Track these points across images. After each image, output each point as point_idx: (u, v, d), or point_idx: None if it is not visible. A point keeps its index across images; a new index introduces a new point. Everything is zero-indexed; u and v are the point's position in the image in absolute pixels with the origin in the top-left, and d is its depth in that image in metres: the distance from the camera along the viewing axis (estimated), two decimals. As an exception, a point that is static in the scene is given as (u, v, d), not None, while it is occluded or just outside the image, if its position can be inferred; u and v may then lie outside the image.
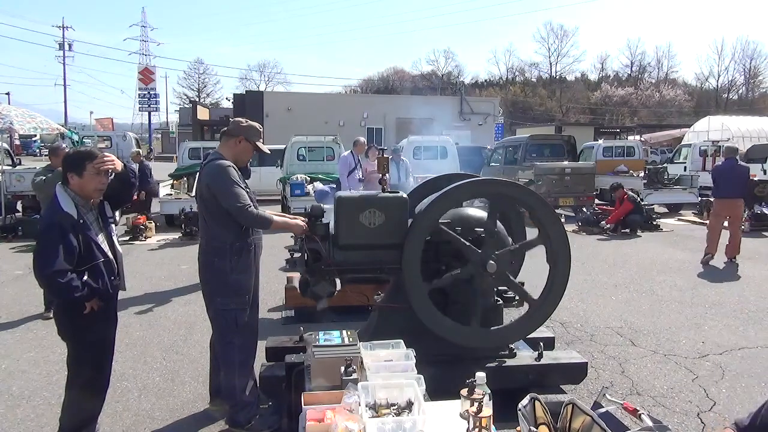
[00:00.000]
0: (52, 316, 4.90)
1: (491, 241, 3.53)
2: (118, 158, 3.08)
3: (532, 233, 4.22)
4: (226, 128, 3.55)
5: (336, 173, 12.20)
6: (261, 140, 3.53)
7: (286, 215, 3.57)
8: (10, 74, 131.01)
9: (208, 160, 3.44)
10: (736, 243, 8.60)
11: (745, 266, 8.28)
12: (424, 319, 3.48)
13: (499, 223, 3.88)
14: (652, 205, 12.61)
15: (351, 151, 8.97)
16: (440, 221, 3.56)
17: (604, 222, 11.29)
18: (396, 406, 2.28)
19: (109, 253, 3.01)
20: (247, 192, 3.31)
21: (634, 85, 66.53)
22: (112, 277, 2.98)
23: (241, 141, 3.42)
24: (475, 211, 3.92)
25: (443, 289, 3.68)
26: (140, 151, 12.94)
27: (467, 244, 3.49)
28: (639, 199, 11.79)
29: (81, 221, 2.84)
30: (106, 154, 3.00)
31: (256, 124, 3.52)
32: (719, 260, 8.59)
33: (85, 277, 2.81)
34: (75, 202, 2.88)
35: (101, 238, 2.97)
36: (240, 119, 3.53)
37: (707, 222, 12.13)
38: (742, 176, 8.66)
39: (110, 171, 2.98)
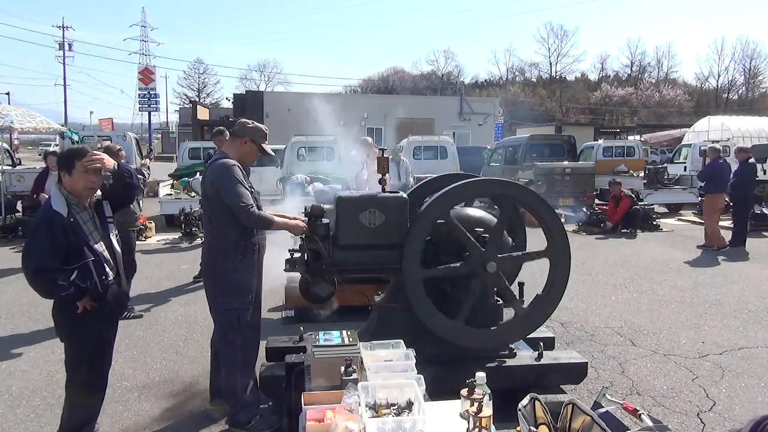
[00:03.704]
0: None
1: (496, 244, 3.53)
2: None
3: (532, 237, 4.24)
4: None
5: (336, 173, 12.20)
6: (266, 142, 3.53)
7: (286, 216, 3.57)
8: (10, 74, 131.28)
9: (213, 159, 3.47)
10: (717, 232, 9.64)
11: (745, 266, 8.28)
12: (424, 319, 3.48)
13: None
14: (652, 205, 12.62)
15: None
16: (440, 221, 3.56)
17: (608, 222, 11.33)
18: (396, 406, 2.28)
19: (105, 253, 2.99)
20: (252, 192, 3.32)
21: (634, 85, 66.43)
22: (104, 277, 2.94)
23: (246, 142, 3.44)
24: (475, 211, 3.93)
25: (443, 290, 3.68)
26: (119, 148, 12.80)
27: (473, 239, 3.49)
28: (633, 194, 11.91)
29: (71, 220, 2.82)
30: (95, 152, 2.96)
31: (263, 126, 3.53)
32: (715, 258, 8.62)
33: (73, 276, 2.78)
34: (68, 201, 2.86)
35: (95, 238, 2.95)
36: (246, 120, 3.54)
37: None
38: (729, 172, 9.78)
39: (102, 170, 2.95)
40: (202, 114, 38.21)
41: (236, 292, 3.31)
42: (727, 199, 10.24)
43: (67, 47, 51.55)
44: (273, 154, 3.71)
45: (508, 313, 3.86)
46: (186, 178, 12.09)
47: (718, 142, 17.93)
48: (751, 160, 9.92)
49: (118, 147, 5.76)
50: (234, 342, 3.36)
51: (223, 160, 3.34)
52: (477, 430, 2.03)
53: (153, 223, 10.94)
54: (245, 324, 3.36)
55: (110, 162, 2.99)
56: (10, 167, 12.96)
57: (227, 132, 7.55)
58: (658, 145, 30.31)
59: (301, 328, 3.96)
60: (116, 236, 3.14)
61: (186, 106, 54.20)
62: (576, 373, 3.78)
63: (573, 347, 4.72)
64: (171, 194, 12.39)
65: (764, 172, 15.39)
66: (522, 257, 3.82)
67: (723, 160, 9.89)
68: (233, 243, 3.29)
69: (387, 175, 3.80)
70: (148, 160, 12.17)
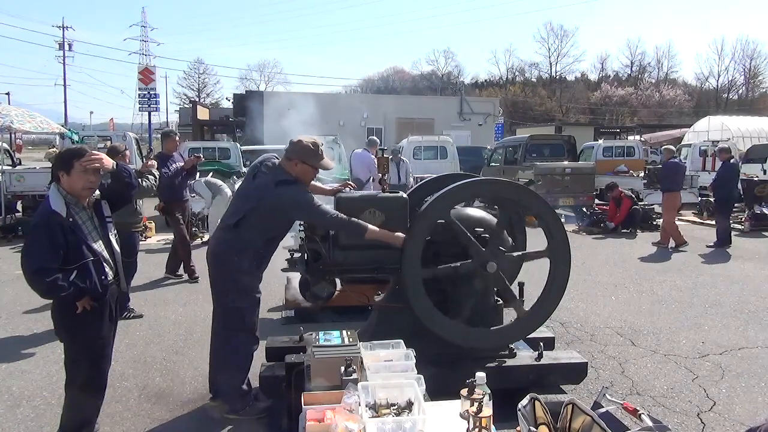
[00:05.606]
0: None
1: (496, 244, 3.53)
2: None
3: (532, 237, 4.24)
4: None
5: (337, 173, 12.20)
6: (320, 159, 3.44)
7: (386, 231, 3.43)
8: (10, 74, 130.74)
9: (280, 179, 3.37)
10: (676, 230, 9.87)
11: (746, 266, 8.28)
12: (424, 319, 3.48)
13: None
14: (652, 205, 12.63)
15: (366, 150, 8.98)
16: (440, 221, 3.56)
17: (610, 223, 11.35)
18: (396, 406, 2.28)
19: (104, 253, 2.99)
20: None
21: (634, 85, 66.35)
22: (103, 276, 2.93)
23: (297, 163, 3.43)
24: (475, 211, 3.93)
25: (443, 289, 3.68)
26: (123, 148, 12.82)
27: (474, 240, 3.50)
28: (633, 195, 11.97)
29: (70, 220, 2.82)
30: (94, 152, 2.95)
31: (310, 143, 3.43)
32: (715, 258, 8.62)
33: (73, 276, 2.77)
34: (66, 200, 2.85)
35: (94, 238, 2.94)
36: (299, 140, 3.45)
37: (707, 222, 12.30)
38: (683, 172, 10.39)
39: (101, 170, 2.94)
40: (202, 114, 38.15)
41: (245, 293, 3.44)
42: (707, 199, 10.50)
43: (67, 47, 51.43)
44: (331, 166, 3.61)
45: (509, 313, 3.86)
46: None
47: (718, 141, 17.97)
48: (733, 161, 10.16)
49: (125, 147, 5.75)
50: (238, 337, 3.48)
51: (290, 185, 3.34)
52: (477, 430, 2.03)
53: (153, 223, 10.93)
54: (250, 322, 3.50)
55: (109, 162, 2.99)
56: (10, 167, 12.95)
57: (176, 135, 7.55)
58: (658, 145, 30.28)
59: (301, 328, 3.96)
60: (115, 236, 3.13)
61: (186, 106, 54.04)
62: (576, 373, 3.78)
63: (573, 347, 4.72)
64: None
65: (764, 172, 15.40)
66: (521, 257, 3.82)
67: (678, 160, 10.49)
68: (254, 249, 3.40)
69: (387, 175, 3.81)
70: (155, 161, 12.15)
